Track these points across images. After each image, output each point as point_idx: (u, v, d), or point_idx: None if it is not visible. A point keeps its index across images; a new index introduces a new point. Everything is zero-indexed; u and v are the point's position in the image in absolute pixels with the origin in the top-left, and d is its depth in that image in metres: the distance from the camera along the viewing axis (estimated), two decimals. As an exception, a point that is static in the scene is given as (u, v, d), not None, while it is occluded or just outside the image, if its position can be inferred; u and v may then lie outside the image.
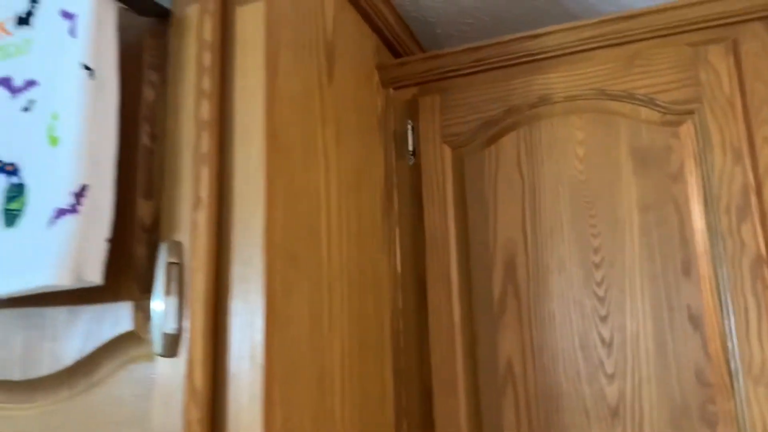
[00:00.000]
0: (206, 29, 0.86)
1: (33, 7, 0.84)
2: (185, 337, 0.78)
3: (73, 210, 0.74)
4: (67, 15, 0.81)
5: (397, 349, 1.18)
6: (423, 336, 1.18)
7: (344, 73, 1.10)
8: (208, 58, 0.85)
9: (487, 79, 1.24)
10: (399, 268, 1.22)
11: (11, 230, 0.79)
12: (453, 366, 1.13)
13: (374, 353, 1.07)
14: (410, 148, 1.26)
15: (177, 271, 0.79)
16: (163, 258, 0.78)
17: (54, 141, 0.77)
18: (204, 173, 0.82)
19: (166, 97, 0.86)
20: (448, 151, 1.23)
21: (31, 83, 0.82)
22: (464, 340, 1.15)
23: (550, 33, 1.20)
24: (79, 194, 0.75)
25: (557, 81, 1.19)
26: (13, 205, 0.80)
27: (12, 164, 0.81)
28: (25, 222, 0.78)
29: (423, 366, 1.16)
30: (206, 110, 0.84)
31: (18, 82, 0.83)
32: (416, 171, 1.25)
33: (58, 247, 0.73)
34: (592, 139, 1.15)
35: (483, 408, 1.12)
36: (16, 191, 0.80)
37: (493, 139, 1.21)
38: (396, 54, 1.38)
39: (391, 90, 1.31)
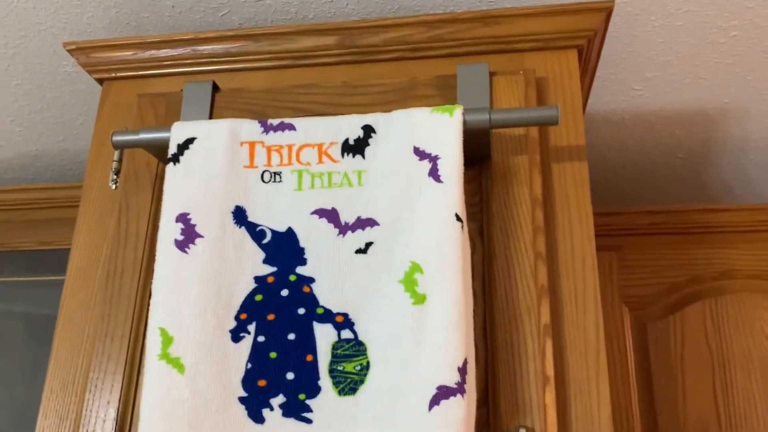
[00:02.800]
0: (536, 184, 0.80)
1: (368, 136, 0.75)
2: None
3: (459, 389, 0.63)
4: (424, 154, 0.72)
5: None
6: None
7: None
8: (540, 217, 0.79)
9: (664, 243, 1.24)
10: (570, 433, 1.15)
11: (348, 399, 0.66)
12: None
13: None
14: (581, 303, 1.21)
15: (529, 462, 0.68)
16: (523, 447, 0.67)
17: (420, 299, 0.66)
18: (548, 347, 0.73)
19: (490, 253, 0.78)
20: (627, 313, 1.20)
21: (367, 222, 0.71)
22: None
23: (728, 210, 1.23)
24: (463, 370, 0.64)
25: (738, 257, 1.21)
26: (348, 367, 0.67)
27: (342, 315, 0.69)
28: (371, 393, 0.65)
29: None
30: (543, 275, 0.76)
31: (347, 217, 0.72)
32: (589, 329, 1.20)
33: (447, 435, 0.61)
34: (781, 321, 1.16)
35: None
36: (350, 349, 0.68)
37: (677, 307, 1.19)
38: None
39: (554, 239, 1.28)
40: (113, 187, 0.88)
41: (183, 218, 0.73)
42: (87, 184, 0.93)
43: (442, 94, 0.85)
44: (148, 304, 0.82)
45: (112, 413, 0.78)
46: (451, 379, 0.63)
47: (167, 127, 0.81)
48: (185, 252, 0.71)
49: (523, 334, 0.74)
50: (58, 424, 0.80)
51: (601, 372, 0.74)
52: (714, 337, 1.17)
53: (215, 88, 0.91)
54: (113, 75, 0.98)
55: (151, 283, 0.83)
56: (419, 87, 0.86)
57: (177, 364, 0.66)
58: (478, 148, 0.79)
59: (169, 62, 0.96)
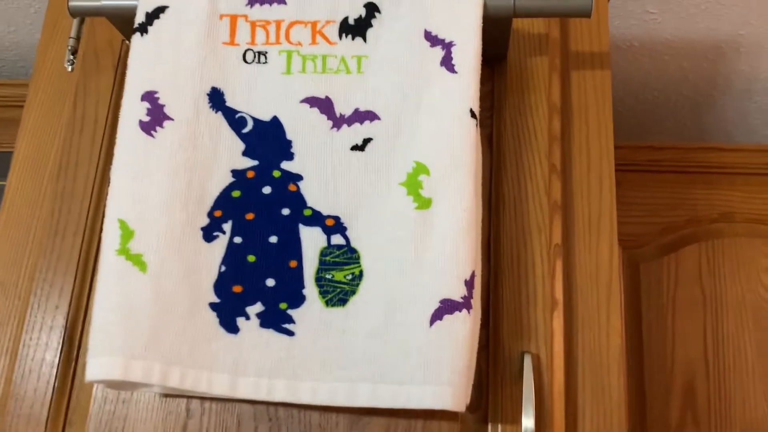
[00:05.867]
0: (554, 90, 0.71)
1: (371, 16, 0.64)
2: (545, 480, 0.60)
3: (465, 304, 0.55)
4: (436, 40, 0.62)
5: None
6: (582, 454, 1.05)
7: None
8: (557, 127, 0.70)
9: (663, 182, 1.17)
10: (552, 372, 1.09)
11: (336, 310, 0.57)
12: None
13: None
14: (572, 239, 1.15)
15: (532, 390, 0.61)
16: (528, 374, 0.60)
17: (424, 203, 0.57)
18: (558, 269, 0.66)
19: (500, 163, 0.69)
20: (620, 252, 1.13)
21: (366, 115, 0.62)
22: (635, 466, 1.03)
23: (731, 150, 1.17)
24: (470, 284, 0.56)
25: (739, 200, 1.15)
26: (338, 276, 0.58)
27: (333, 218, 0.60)
28: (363, 305, 0.57)
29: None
30: (557, 190, 0.68)
31: (343, 109, 0.62)
32: (578, 266, 1.14)
33: (451, 356, 0.53)
34: (778, 267, 1.11)
35: None
36: (341, 257, 0.59)
37: (672, 248, 1.13)
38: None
39: (547, 171, 1.20)
40: (69, 68, 0.76)
41: (150, 97, 0.62)
42: (38, 66, 0.81)
43: (454, -17, 0.75)
44: (107, 198, 0.72)
45: (60, 320, 0.68)
46: (457, 293, 0.55)
47: (135, -6, 0.69)
48: (151, 135, 0.61)
49: (531, 253, 0.66)
50: (-4, 330, 0.70)
51: (612, 299, 0.67)
52: (708, 281, 1.11)
53: (192, -39, 0.78)
54: (73, -59, 0.85)
55: (110, 171, 0.73)
56: (428, -26, 0.76)
57: (138, 261, 0.57)
58: (494, 43, 0.69)
59: (138, -70, 0.84)
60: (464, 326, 0.54)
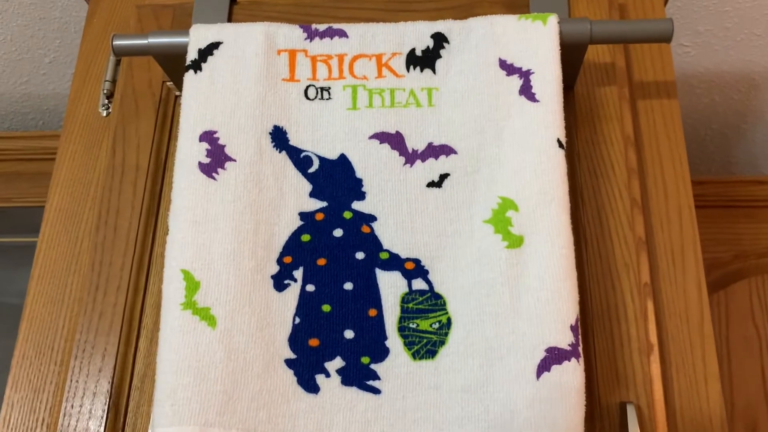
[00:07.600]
0: (626, 121, 0.68)
1: (439, 47, 0.61)
2: None
3: (574, 353, 0.49)
4: (513, 69, 0.58)
5: None
6: None
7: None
8: (633, 158, 0.66)
9: (707, 217, 1.13)
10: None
11: (426, 364, 0.52)
12: None
13: None
14: (615, 279, 1.10)
15: (637, 446, 0.56)
16: (633, 426, 0.55)
17: (515, 241, 0.53)
18: (650, 309, 0.61)
19: (576, 199, 0.65)
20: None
21: (441, 150, 0.57)
22: None
23: (775, 181, 1.14)
24: (575, 329, 0.50)
25: (785, 233, 1.11)
26: (423, 324, 0.53)
27: (413, 261, 0.55)
28: (456, 356, 0.51)
29: None
30: (641, 225, 0.64)
31: (415, 144, 0.58)
32: (624, 307, 1.09)
33: (565, 411, 0.47)
34: (832, 301, 1.07)
35: None
36: (425, 303, 0.54)
37: (721, 285, 1.09)
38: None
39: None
40: (104, 113, 0.71)
41: (209, 137, 0.58)
42: (69, 115, 0.77)
43: (512, 14, 0.72)
44: (151, 250, 0.67)
45: (104, 384, 0.62)
46: (564, 340, 0.49)
47: (183, 31, 0.65)
48: (213, 178, 0.56)
49: (621, 294, 0.61)
50: (32, 398, 0.64)
51: (706, 339, 0.62)
52: (761, 318, 1.07)
53: (233, -1, 0.75)
54: (104, -16, 0.82)
55: (156, 222, 0.68)
56: (484, 5, 0.73)
57: (206, 315, 0.51)
58: (566, 71, 0.65)
59: (174, -30, 0.80)
60: (575, 377, 0.49)
